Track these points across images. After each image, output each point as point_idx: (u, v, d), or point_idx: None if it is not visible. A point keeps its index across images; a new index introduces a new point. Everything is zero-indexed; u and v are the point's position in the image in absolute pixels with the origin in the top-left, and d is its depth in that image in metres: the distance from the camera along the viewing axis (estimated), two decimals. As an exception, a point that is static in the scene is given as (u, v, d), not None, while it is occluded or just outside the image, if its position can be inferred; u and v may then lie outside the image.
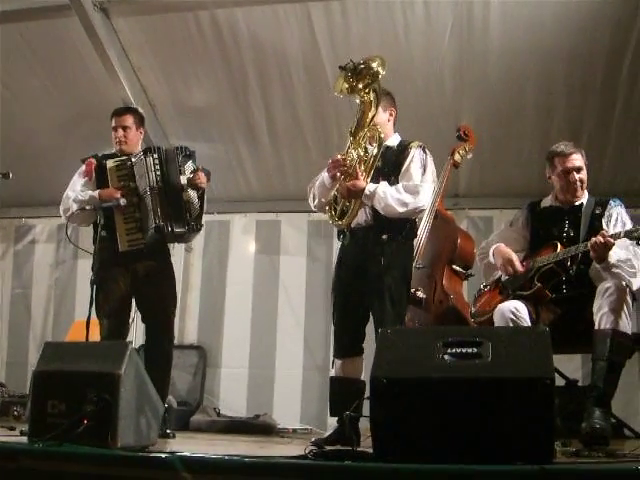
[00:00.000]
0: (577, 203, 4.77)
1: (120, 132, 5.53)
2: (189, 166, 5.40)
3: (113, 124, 5.58)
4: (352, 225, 4.72)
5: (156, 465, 2.92)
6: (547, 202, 4.91)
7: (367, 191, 4.57)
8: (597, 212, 4.67)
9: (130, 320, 5.44)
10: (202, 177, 5.35)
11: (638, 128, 6.59)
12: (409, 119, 6.55)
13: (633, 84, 6.30)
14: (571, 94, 6.48)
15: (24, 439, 3.65)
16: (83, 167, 5.54)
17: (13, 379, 7.70)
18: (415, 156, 4.68)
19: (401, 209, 4.53)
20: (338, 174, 4.67)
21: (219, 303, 7.72)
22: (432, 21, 6.18)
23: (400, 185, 4.59)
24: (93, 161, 5.50)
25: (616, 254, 4.30)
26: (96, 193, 5.37)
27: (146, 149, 5.45)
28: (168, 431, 5.23)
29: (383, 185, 4.58)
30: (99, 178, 5.46)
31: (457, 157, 5.81)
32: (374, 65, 4.53)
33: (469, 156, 5.88)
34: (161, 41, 6.77)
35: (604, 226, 4.58)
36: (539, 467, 2.59)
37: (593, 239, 4.28)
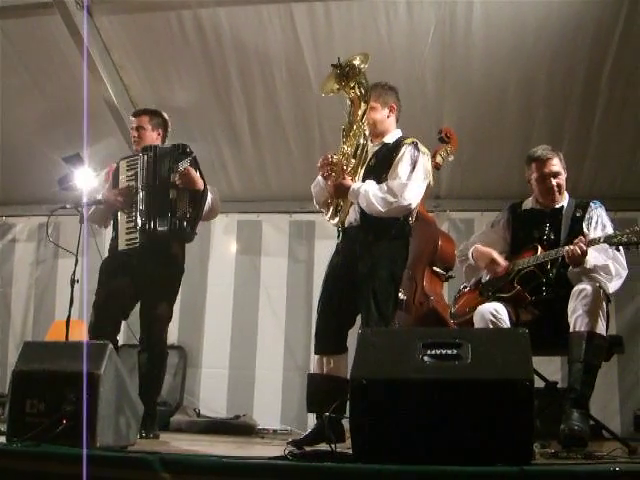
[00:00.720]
0: (558, 206, 4.77)
1: (134, 132, 5.53)
2: (183, 164, 5.28)
3: (130, 124, 5.64)
4: (345, 224, 4.73)
5: (135, 465, 2.91)
6: (528, 204, 4.92)
7: (352, 190, 4.58)
8: (578, 215, 4.68)
9: (121, 319, 5.37)
10: (188, 177, 5.24)
11: (618, 132, 6.64)
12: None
13: (613, 88, 6.35)
14: (552, 97, 6.52)
15: (2, 439, 3.61)
16: (105, 170, 5.61)
17: (-8, 379, 7.67)
18: (405, 153, 4.66)
19: (383, 208, 4.52)
20: (325, 173, 4.68)
21: (200, 303, 7.72)
22: (415, 23, 6.20)
23: (385, 184, 4.58)
24: (113, 166, 5.52)
25: (594, 259, 4.31)
26: (101, 196, 5.43)
27: (145, 147, 5.42)
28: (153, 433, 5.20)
29: (368, 184, 4.58)
30: (115, 178, 5.47)
31: (439, 159, 5.82)
32: (357, 63, 4.54)
33: (450, 158, 5.89)
34: (144, 40, 6.76)
35: (585, 229, 4.59)
36: (518, 468, 2.60)
37: (568, 247, 4.30)
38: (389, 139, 4.81)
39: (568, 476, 2.66)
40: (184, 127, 7.05)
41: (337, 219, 4.74)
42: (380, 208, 4.51)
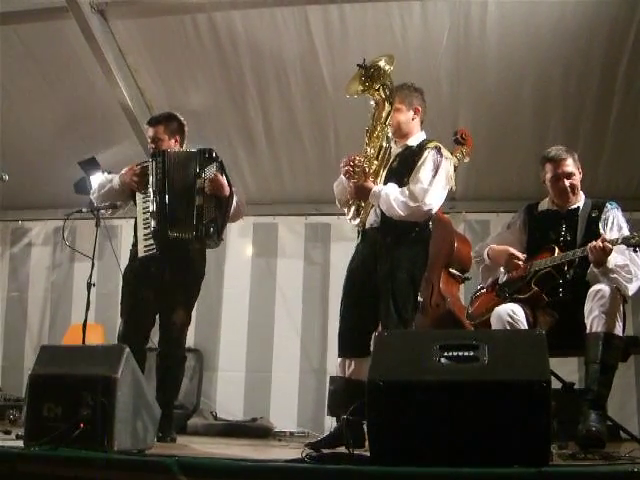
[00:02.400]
0: (574, 206, 4.76)
1: (151, 144, 5.45)
2: (209, 170, 5.25)
3: (147, 134, 5.55)
4: (366, 225, 4.74)
5: (153, 468, 2.92)
6: (544, 205, 4.90)
7: (373, 192, 4.59)
8: (594, 215, 4.67)
9: (150, 328, 5.37)
10: (217, 184, 5.22)
11: (634, 132, 6.61)
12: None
13: (629, 88, 6.31)
14: (567, 98, 6.50)
15: (20, 443, 3.64)
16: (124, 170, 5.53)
17: (9, 383, 7.70)
18: (428, 157, 4.66)
19: (403, 212, 4.53)
20: (348, 174, 4.69)
21: (216, 306, 7.72)
22: (429, 25, 6.19)
23: (406, 187, 4.59)
24: (133, 166, 5.48)
25: (614, 259, 4.29)
26: (117, 176, 5.45)
27: (154, 152, 5.37)
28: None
29: (389, 187, 4.60)
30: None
31: (454, 160, 5.80)
32: (382, 64, 4.56)
33: (466, 160, 5.86)
34: (158, 43, 6.77)
35: (601, 230, 4.58)
36: (536, 470, 2.59)
37: (592, 243, 4.27)
38: (413, 142, 4.81)
39: (586, 477, 2.65)
40: (199, 130, 7.05)
41: (358, 220, 4.75)
42: (400, 212, 4.53)
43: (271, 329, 7.58)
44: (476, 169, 6.85)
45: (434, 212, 4.69)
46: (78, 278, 7.71)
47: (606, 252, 4.23)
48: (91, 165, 7.10)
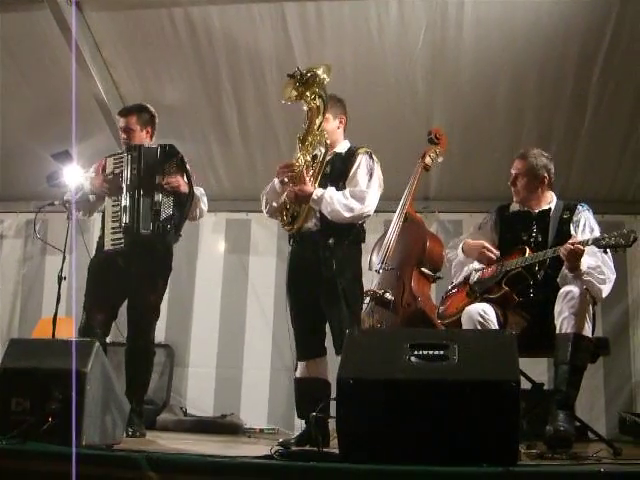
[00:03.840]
0: (545, 208, 4.80)
1: (123, 134, 5.44)
2: (169, 166, 5.26)
3: (118, 124, 5.53)
4: (302, 230, 4.84)
5: (121, 464, 2.91)
6: (516, 206, 4.93)
7: (314, 196, 4.70)
8: (565, 217, 4.70)
9: (111, 321, 5.32)
10: (175, 182, 5.24)
11: (607, 134, 6.66)
12: (381, 120, 6.60)
13: (603, 90, 6.36)
14: (542, 99, 6.54)
15: (-13, 437, 3.62)
16: (94, 166, 5.52)
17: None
18: (362, 162, 4.82)
19: (347, 214, 4.68)
20: (286, 179, 4.78)
21: (187, 302, 7.69)
22: (406, 23, 6.20)
23: (347, 190, 4.73)
24: (102, 162, 5.46)
25: (586, 261, 4.32)
26: (88, 180, 5.39)
27: (129, 147, 5.35)
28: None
29: (330, 190, 4.72)
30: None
31: (428, 160, 5.82)
32: (320, 73, 4.68)
33: (440, 159, 5.89)
34: (134, 37, 6.72)
35: (572, 231, 4.61)
36: (504, 469, 2.61)
37: (566, 245, 4.29)
38: (340, 149, 4.96)
39: (553, 477, 2.67)
40: (174, 125, 7.03)
41: (295, 225, 4.84)
42: (345, 214, 4.68)
43: (243, 325, 7.57)
44: (449, 169, 6.87)
45: (372, 214, 4.85)
46: (49, 271, 7.65)
47: (578, 254, 4.25)
48: (64, 158, 7.01)
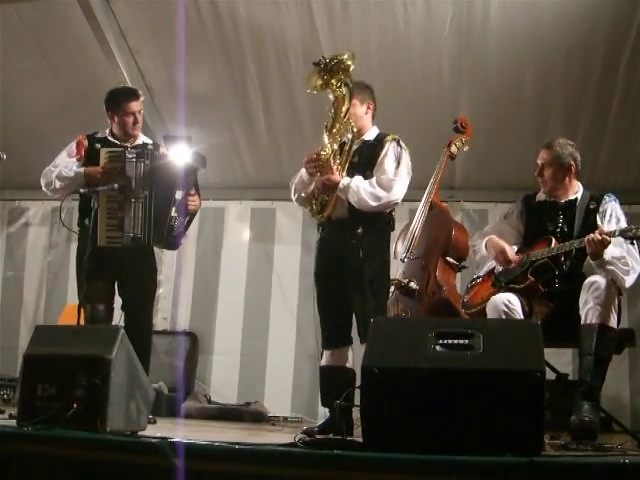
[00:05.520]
0: (572, 198, 4.77)
1: (138, 117, 5.32)
2: (190, 182, 5.26)
3: (131, 109, 5.31)
4: (331, 218, 4.85)
5: (146, 450, 2.92)
6: (542, 196, 4.91)
7: (341, 185, 4.71)
8: (592, 207, 4.68)
9: (112, 306, 5.35)
10: (195, 203, 5.32)
11: (634, 124, 6.59)
12: (407, 108, 6.57)
13: (630, 79, 6.30)
14: (568, 88, 6.48)
15: (13, 422, 3.64)
16: (73, 145, 5.37)
17: (3, 362, 7.67)
18: (389, 150, 4.81)
19: (374, 203, 4.67)
20: (313, 170, 4.78)
21: (212, 290, 7.71)
22: (432, 11, 6.17)
23: (374, 179, 4.72)
24: (85, 143, 5.34)
25: (611, 251, 4.30)
26: (82, 170, 5.23)
27: (140, 152, 5.20)
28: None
29: (357, 179, 4.71)
30: (90, 162, 5.28)
31: (453, 149, 5.78)
32: (345, 59, 4.67)
33: (465, 148, 5.85)
34: (160, 25, 6.73)
35: (598, 222, 4.58)
36: (528, 459, 2.60)
37: (590, 235, 4.27)
38: (368, 136, 4.95)
39: (577, 468, 2.65)
40: (199, 113, 7.04)
41: (324, 214, 4.85)
42: (371, 203, 4.67)
43: (267, 314, 7.58)
44: (475, 158, 6.85)
45: (400, 202, 4.85)
46: (74, 259, 7.68)
47: (604, 244, 4.23)
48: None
